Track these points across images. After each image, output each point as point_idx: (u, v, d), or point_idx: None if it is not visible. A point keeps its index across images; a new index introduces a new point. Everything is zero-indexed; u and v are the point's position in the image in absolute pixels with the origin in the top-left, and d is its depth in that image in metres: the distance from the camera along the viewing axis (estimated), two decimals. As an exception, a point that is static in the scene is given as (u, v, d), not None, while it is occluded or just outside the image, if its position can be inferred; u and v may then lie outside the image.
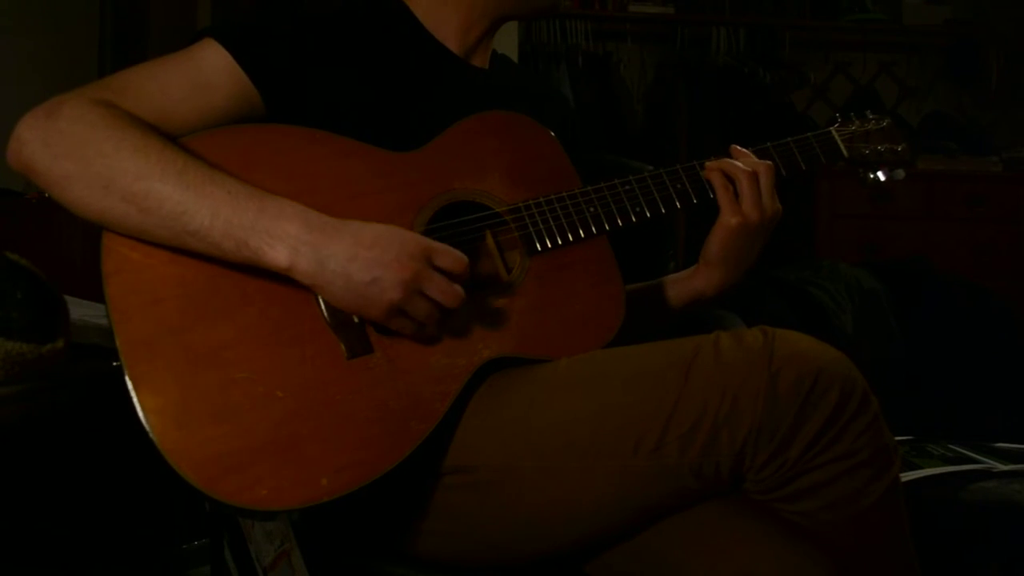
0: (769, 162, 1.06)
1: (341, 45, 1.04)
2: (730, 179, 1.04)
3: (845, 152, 1.15)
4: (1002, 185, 3.37)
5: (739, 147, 1.08)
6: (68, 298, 1.16)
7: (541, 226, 1.01)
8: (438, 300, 0.88)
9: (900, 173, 1.18)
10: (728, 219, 1.04)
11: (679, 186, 1.06)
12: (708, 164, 1.06)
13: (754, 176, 1.04)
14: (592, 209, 1.03)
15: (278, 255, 0.86)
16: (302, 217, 0.87)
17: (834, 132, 1.16)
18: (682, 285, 1.13)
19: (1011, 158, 3.44)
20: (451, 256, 0.90)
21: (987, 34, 3.61)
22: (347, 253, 0.86)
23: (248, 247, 0.86)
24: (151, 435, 0.82)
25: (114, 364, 0.85)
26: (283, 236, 0.86)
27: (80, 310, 1.22)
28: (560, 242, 1.01)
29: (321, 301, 0.90)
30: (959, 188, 3.31)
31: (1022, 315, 2.62)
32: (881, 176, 1.18)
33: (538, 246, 1.01)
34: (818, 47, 3.68)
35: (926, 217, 3.30)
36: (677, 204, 1.06)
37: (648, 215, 1.05)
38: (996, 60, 3.60)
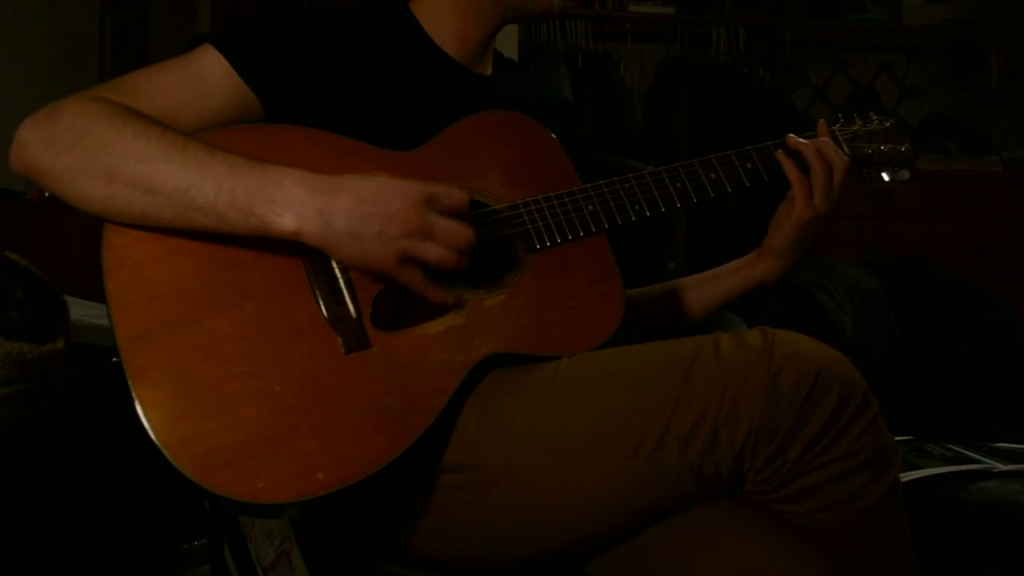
0: (847, 159, 1.08)
1: (340, 51, 1.05)
2: (805, 167, 1.07)
3: (847, 151, 1.15)
4: (1002, 185, 3.37)
5: (819, 138, 1.10)
6: (68, 298, 1.16)
7: (540, 224, 1.01)
8: (448, 243, 0.89)
9: (904, 174, 1.18)
10: (804, 212, 1.07)
11: (679, 185, 1.07)
12: (791, 141, 1.08)
13: (829, 171, 1.07)
14: (591, 207, 1.04)
15: (285, 221, 0.86)
16: (303, 180, 0.87)
17: (837, 131, 1.16)
18: (743, 275, 1.15)
19: (1011, 158, 3.44)
20: (451, 196, 0.91)
21: (987, 34, 3.61)
22: (350, 211, 0.87)
23: (255, 216, 0.86)
24: (148, 428, 0.82)
25: (114, 360, 0.85)
26: (287, 202, 0.86)
27: (80, 310, 1.22)
28: (559, 240, 1.02)
29: (319, 297, 0.91)
30: (959, 188, 3.31)
31: (1022, 315, 2.62)
32: (885, 176, 1.18)
33: (537, 244, 1.01)
34: (818, 47, 3.68)
35: (926, 217, 3.30)
36: (677, 203, 1.06)
37: (647, 214, 1.05)
38: (996, 60, 3.60)
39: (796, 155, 1.08)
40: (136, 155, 0.87)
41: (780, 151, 1.09)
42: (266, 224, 0.86)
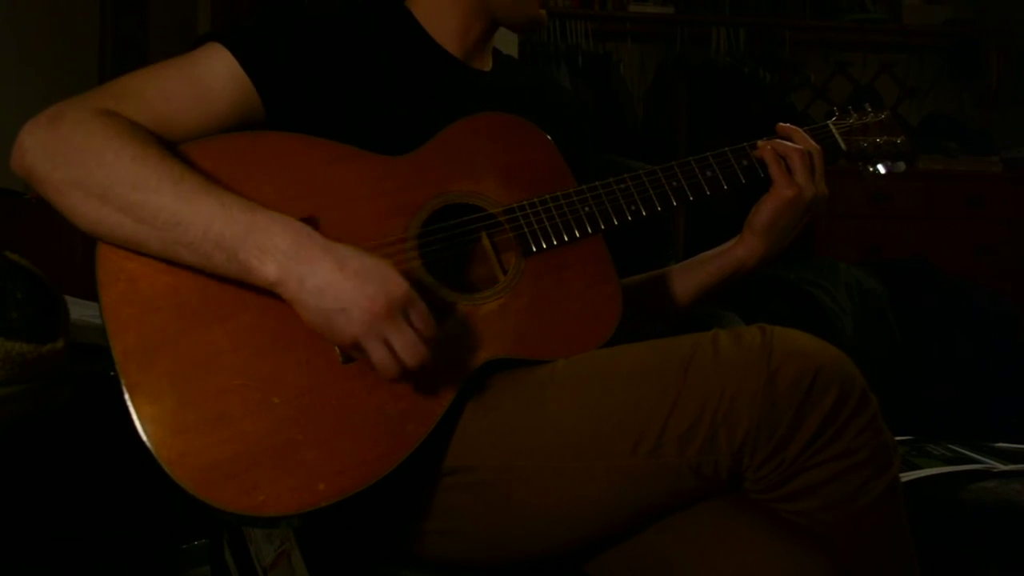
0: (819, 146, 1.09)
1: (342, 49, 1.05)
2: (782, 156, 1.07)
3: (843, 145, 1.15)
4: (1002, 185, 3.37)
5: (787, 125, 1.11)
6: (68, 298, 1.16)
7: (536, 227, 1.01)
8: (398, 353, 0.86)
9: (900, 165, 1.18)
10: (783, 191, 1.06)
11: (675, 184, 1.06)
12: (760, 143, 1.09)
13: (807, 154, 1.06)
14: (587, 208, 1.03)
15: (267, 270, 0.85)
16: (292, 233, 0.87)
17: (831, 125, 1.16)
18: (722, 258, 1.14)
19: (1011, 158, 3.44)
20: (425, 320, 0.87)
21: (987, 34, 3.61)
22: (326, 277, 0.85)
23: (237, 260, 0.85)
24: (148, 443, 0.82)
25: (111, 374, 0.85)
26: (272, 251, 0.85)
27: (80, 310, 1.22)
28: (555, 242, 1.01)
29: None
30: (959, 188, 3.31)
31: (1022, 315, 2.62)
32: (881, 169, 1.17)
33: (533, 247, 1.01)
34: (818, 47, 3.68)
35: (926, 217, 3.30)
36: (673, 202, 1.06)
37: (643, 213, 1.05)
38: (996, 60, 3.60)
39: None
40: (131, 181, 0.87)
41: (763, 140, 1.10)
42: (247, 270, 0.86)
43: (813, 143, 1.09)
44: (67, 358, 1.10)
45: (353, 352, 0.88)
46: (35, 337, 1.05)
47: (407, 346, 0.86)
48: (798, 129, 1.11)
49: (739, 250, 1.12)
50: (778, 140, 1.09)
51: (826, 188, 1.08)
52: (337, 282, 0.85)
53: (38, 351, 1.05)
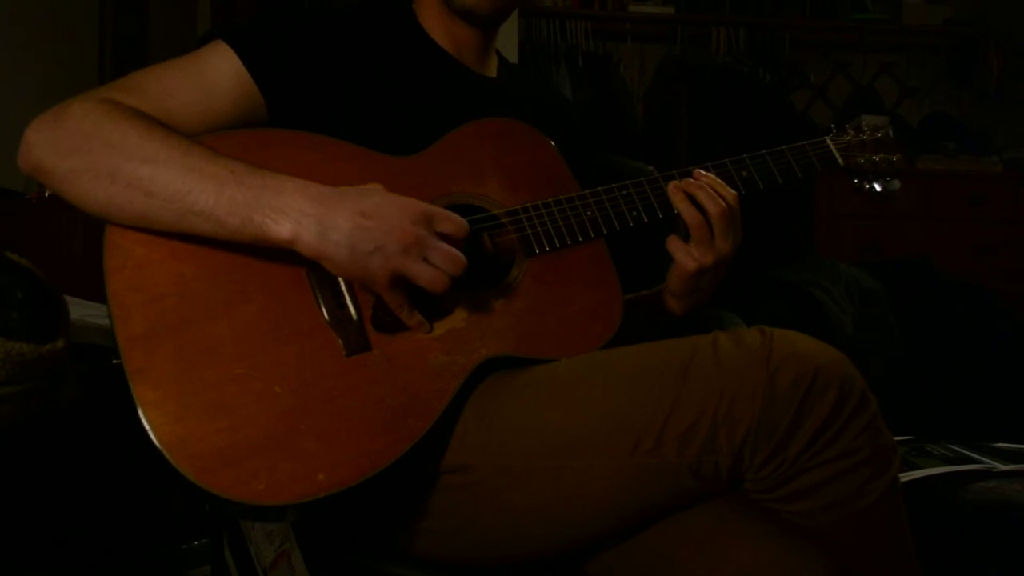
0: (723, 205, 1.02)
1: (345, 50, 1.05)
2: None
3: (841, 161, 1.16)
4: (1002, 185, 3.37)
5: (702, 172, 1.06)
6: (68, 298, 1.16)
7: (539, 229, 1.02)
8: (441, 266, 0.89)
9: (895, 184, 1.19)
10: (685, 264, 1.03)
11: None
12: (675, 200, 1.04)
13: (703, 224, 1.02)
14: (590, 213, 1.04)
15: (282, 229, 0.86)
16: (303, 190, 0.88)
17: (829, 141, 1.17)
18: (656, 310, 1.13)
19: (1011, 158, 3.44)
20: (452, 221, 0.91)
21: (987, 34, 3.61)
22: (349, 223, 0.87)
23: (253, 222, 0.86)
24: (148, 429, 0.82)
25: (115, 361, 0.85)
26: (286, 210, 0.86)
27: (80, 310, 1.22)
28: (558, 245, 1.02)
29: (320, 299, 0.91)
30: (959, 188, 3.31)
31: (1022, 315, 2.62)
32: (877, 187, 1.19)
33: (536, 249, 1.01)
34: (818, 47, 3.69)
35: (926, 217, 3.30)
36: (675, 210, 1.06)
37: (645, 220, 1.06)
38: (996, 60, 3.60)
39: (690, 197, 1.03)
40: (139, 157, 0.88)
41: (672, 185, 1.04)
42: (263, 231, 0.87)
43: (714, 201, 1.02)
44: (67, 358, 1.10)
45: (391, 294, 0.89)
46: (35, 337, 1.05)
47: (446, 257, 0.89)
48: (703, 185, 1.04)
49: (670, 305, 1.11)
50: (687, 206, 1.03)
51: (739, 234, 1.04)
52: (361, 226, 0.87)
53: (38, 351, 1.05)
